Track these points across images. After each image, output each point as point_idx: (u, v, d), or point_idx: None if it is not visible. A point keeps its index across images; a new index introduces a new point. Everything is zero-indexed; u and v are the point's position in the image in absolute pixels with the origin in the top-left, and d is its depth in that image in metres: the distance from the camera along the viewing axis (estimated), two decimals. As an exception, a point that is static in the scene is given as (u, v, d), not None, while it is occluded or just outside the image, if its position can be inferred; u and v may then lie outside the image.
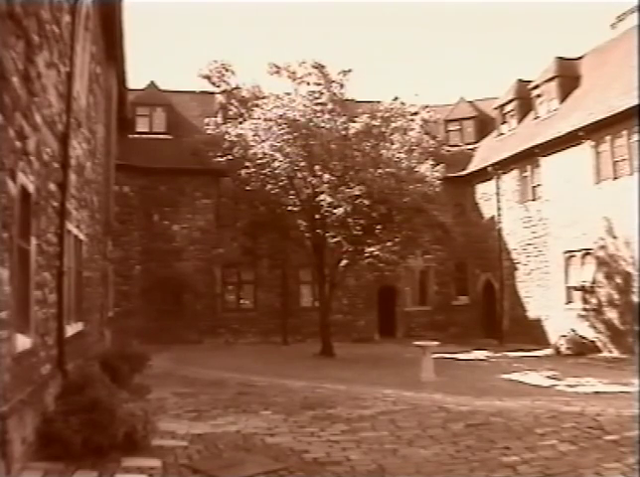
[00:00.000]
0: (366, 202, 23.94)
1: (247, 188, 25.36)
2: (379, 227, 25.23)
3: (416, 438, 9.51)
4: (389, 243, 25.57)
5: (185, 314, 29.85)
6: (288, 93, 25.63)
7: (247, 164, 25.28)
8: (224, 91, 27.80)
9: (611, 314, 25.53)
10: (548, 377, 19.49)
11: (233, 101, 27.70)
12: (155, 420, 9.12)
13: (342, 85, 25.52)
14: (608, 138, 25.92)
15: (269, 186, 25.26)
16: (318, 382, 16.58)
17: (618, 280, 25.24)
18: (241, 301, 32.56)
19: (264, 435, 9.69)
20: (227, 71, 26.81)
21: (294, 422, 10.71)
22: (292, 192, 25.68)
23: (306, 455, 8.53)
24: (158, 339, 25.06)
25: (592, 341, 25.95)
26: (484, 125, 37.37)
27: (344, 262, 26.05)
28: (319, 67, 25.13)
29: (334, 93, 25.39)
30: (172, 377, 16.99)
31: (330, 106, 25.35)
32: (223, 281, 32.22)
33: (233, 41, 77.81)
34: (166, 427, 9.74)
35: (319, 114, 25.11)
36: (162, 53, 78.74)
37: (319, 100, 25.32)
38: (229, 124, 26.63)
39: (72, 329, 11.67)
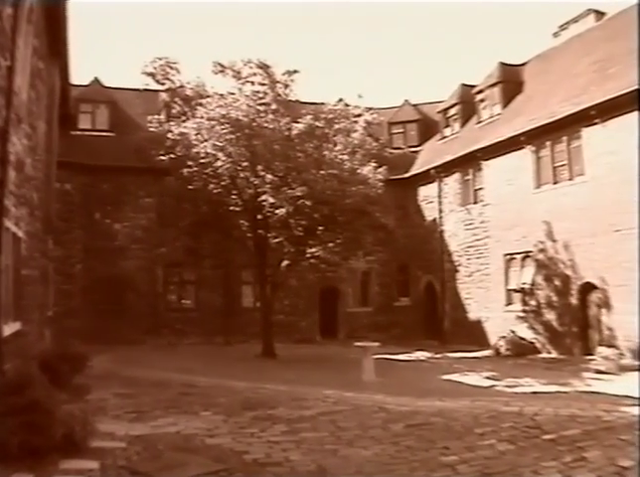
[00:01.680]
0: (308, 203, 23.95)
1: (190, 187, 25.15)
2: (321, 228, 25.27)
3: (357, 439, 9.53)
4: (330, 245, 25.66)
5: (127, 314, 29.53)
6: (232, 93, 25.50)
7: (190, 163, 25.07)
8: (168, 90, 27.54)
9: (550, 316, 25.97)
10: (487, 377, 19.75)
11: (176, 100, 27.43)
12: (95, 422, 8.99)
13: (287, 86, 25.49)
14: (549, 144, 26.37)
15: (212, 185, 25.10)
16: (260, 382, 16.55)
17: (557, 283, 25.70)
18: (183, 301, 32.37)
19: (205, 436, 9.62)
20: (171, 68, 26.56)
21: (235, 423, 10.65)
22: (235, 192, 25.56)
23: (246, 456, 8.49)
24: (99, 339, 24.70)
25: (531, 342, 26.35)
26: (427, 128, 37.68)
27: (286, 263, 26.04)
28: (264, 67, 25.06)
29: (278, 94, 25.36)
30: (113, 377, 16.77)
31: (274, 107, 25.30)
32: (165, 281, 32.02)
33: (179, 39, 77.33)
34: (106, 429, 9.60)
35: (263, 114, 25.04)
36: (108, 49, 77.96)
37: (263, 100, 25.26)
38: (172, 123, 26.40)
39: (9, 328, 11.45)
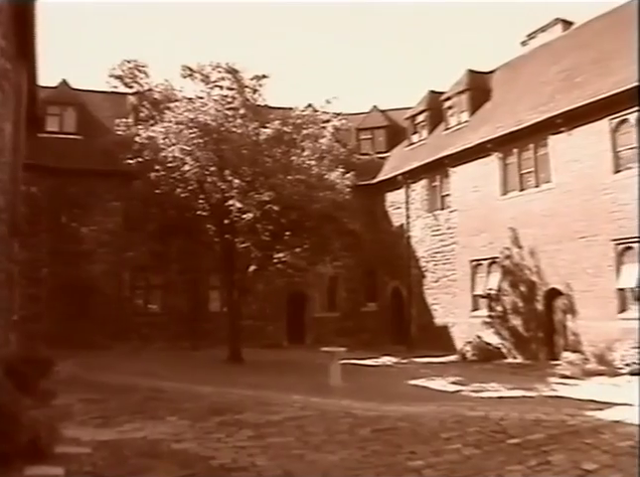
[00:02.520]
0: (275, 208, 23.94)
1: (157, 191, 25.00)
2: (288, 233, 25.24)
3: (324, 444, 9.52)
4: (298, 250, 25.63)
5: (94, 318, 29.26)
6: (201, 97, 25.42)
7: (158, 167, 24.93)
8: (136, 93, 27.41)
9: (516, 321, 26.17)
10: (453, 382, 19.84)
11: (145, 103, 27.29)
12: (60, 427, 8.92)
13: (255, 91, 25.48)
14: (516, 151, 26.61)
15: (179, 190, 24.98)
16: (226, 387, 16.49)
17: (523, 289, 25.91)
18: (150, 306, 32.19)
19: (171, 441, 9.56)
20: (140, 72, 26.41)
21: (201, 428, 10.60)
22: (202, 196, 25.46)
23: (213, 461, 8.44)
24: (65, 343, 24.43)
25: (497, 347, 26.52)
26: (395, 135, 37.82)
27: (253, 268, 25.98)
28: (233, 71, 25.02)
29: (247, 99, 25.33)
30: (79, 382, 16.63)
31: (242, 111, 25.25)
32: (132, 285, 31.84)
33: (149, 41, 76.97)
34: (71, 434, 9.50)
35: (231, 119, 24.97)
36: (77, 51, 77.41)
37: (231, 105, 25.21)
38: (140, 126, 26.25)
39: (-27, 332, 11.32)
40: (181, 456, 8.70)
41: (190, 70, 25.27)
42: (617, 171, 22.50)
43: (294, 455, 8.85)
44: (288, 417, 11.72)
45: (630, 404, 13.87)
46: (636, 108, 21.70)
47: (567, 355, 22.28)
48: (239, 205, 23.98)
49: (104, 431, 10.30)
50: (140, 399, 13.97)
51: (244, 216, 23.97)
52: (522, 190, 26.51)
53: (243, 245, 25.39)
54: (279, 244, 25.50)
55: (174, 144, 24.72)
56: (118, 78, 26.31)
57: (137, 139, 25.51)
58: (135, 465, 8.20)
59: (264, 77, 25.52)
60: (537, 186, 25.81)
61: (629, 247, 21.94)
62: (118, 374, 19.57)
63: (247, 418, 11.55)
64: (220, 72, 25.23)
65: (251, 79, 25.43)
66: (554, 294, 24.76)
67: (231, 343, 25.63)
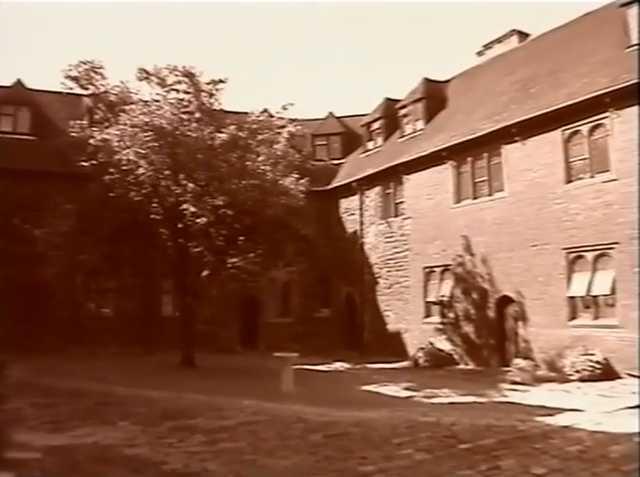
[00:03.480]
0: (229, 212, 23.90)
1: (111, 194, 24.77)
2: (241, 238, 25.18)
3: (276, 449, 9.50)
4: (251, 255, 25.57)
5: (45, 322, 28.80)
6: (157, 100, 25.26)
7: (112, 170, 24.70)
8: (92, 95, 27.14)
9: (468, 328, 26.39)
10: (406, 388, 19.97)
11: (100, 105, 27.02)
12: (10, 432, 8.79)
13: (211, 95, 25.41)
14: (470, 160, 26.85)
15: (133, 193, 24.78)
16: (179, 392, 16.39)
17: (475, 296, 26.14)
18: (103, 310, 31.86)
19: (123, 447, 9.47)
20: (96, 73, 26.16)
21: (153, 433, 10.52)
22: (156, 200, 25.28)
23: (164, 466, 8.37)
24: (17, 347, 23.88)
25: (449, 354, 26.71)
26: (351, 141, 37.96)
27: (206, 272, 25.86)
28: (189, 75, 24.92)
29: (203, 103, 25.24)
30: (31, 387, 16.34)
31: (198, 115, 25.15)
32: (85, 289, 31.46)
33: (106, 42, 76.34)
34: (22, 439, 9.37)
35: (186, 123, 24.85)
36: (31, 50, 76.42)
37: (187, 109, 25.09)
38: (95, 128, 25.99)
39: None
40: (133, 461, 8.62)
41: (146, 72, 25.09)
42: (569, 181, 22.84)
43: (246, 460, 8.81)
44: (240, 423, 11.68)
45: (579, 410, 14.08)
46: (588, 120, 22.16)
47: (518, 361, 22.51)
48: (192, 209, 23.89)
49: (56, 436, 10.19)
50: (92, 404, 13.84)
51: (198, 220, 23.89)
52: (475, 198, 26.76)
53: (197, 250, 25.27)
54: (233, 249, 25.44)
55: (129, 147, 24.50)
56: (74, 79, 26.02)
57: (92, 141, 25.24)
58: (86, 470, 8.13)
59: (221, 81, 25.46)
60: (490, 194, 26.07)
61: (580, 256, 22.28)
62: (70, 378, 19.34)
63: (200, 424, 11.49)
64: (176, 75, 25.12)
65: (208, 84, 25.35)
66: (505, 302, 25.03)
67: (183, 348, 25.47)
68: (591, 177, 22.16)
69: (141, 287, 31.24)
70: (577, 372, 20.52)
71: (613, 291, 21.02)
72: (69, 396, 15.20)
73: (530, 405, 15.84)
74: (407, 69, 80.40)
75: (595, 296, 21.71)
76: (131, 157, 24.52)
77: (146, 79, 25.21)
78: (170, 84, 25.30)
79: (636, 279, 20.25)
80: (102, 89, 26.61)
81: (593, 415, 13.09)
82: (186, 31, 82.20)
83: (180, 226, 24.77)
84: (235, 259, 25.66)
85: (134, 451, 9.24)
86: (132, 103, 25.45)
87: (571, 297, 22.41)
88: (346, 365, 27.50)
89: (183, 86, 25.28)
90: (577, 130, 22.67)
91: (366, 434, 10.59)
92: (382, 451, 9.31)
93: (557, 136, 23.23)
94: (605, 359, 20.59)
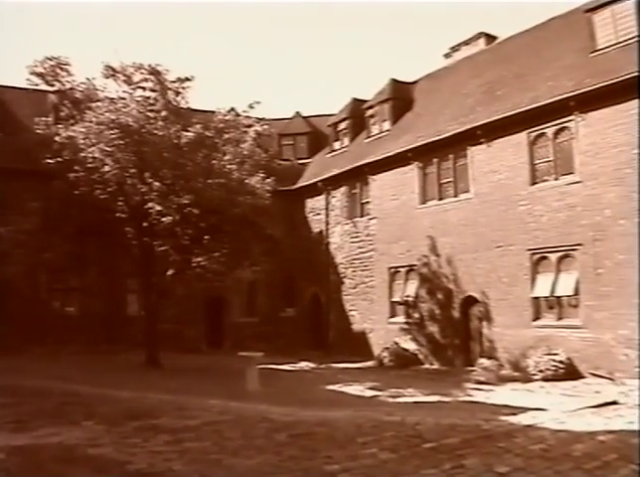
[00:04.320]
0: (195, 211, 23.80)
1: (76, 192, 24.57)
2: (207, 237, 25.08)
3: (241, 448, 9.45)
4: (217, 254, 25.48)
5: (9, 321, 28.33)
6: (123, 98, 25.08)
7: (77, 168, 24.52)
8: (57, 91, 26.89)
9: (433, 328, 26.51)
10: (370, 388, 20.01)
11: (66, 102, 26.78)
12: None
13: (178, 93, 25.28)
14: (435, 161, 26.99)
15: (98, 191, 24.59)
16: (143, 392, 16.28)
17: (440, 296, 26.27)
18: (67, 308, 31.56)
19: (87, 446, 9.35)
20: (62, 70, 25.92)
21: (118, 433, 10.41)
22: (121, 198, 25.11)
23: (129, 466, 8.28)
24: (-21, 346, 23.79)
25: (414, 353, 26.80)
26: (317, 141, 37.98)
27: (171, 272, 25.72)
28: (156, 73, 24.78)
29: (169, 101, 25.10)
30: (-8, 386, 16.22)
31: (164, 114, 25.00)
32: (49, 287, 31.11)
33: (72, 39, 75.65)
34: (-17, 440, 9.29)
35: (152, 121, 24.69)
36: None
37: (153, 107, 24.96)
38: (60, 125, 25.75)
39: None
40: (97, 461, 8.54)
41: (112, 70, 24.88)
42: (534, 183, 23.06)
43: (211, 460, 8.77)
44: (206, 422, 11.62)
45: (543, 409, 14.21)
46: (553, 123, 22.42)
47: (483, 361, 22.68)
48: (158, 208, 23.73)
49: (18, 436, 10.06)
50: (56, 404, 13.67)
51: (164, 219, 23.74)
52: (440, 199, 26.91)
53: (162, 249, 25.12)
54: (198, 248, 25.34)
55: (94, 145, 24.32)
56: (39, 75, 25.79)
57: (57, 139, 25.03)
58: (50, 470, 8.04)
59: (188, 79, 25.33)
60: (455, 196, 26.24)
61: (544, 257, 22.50)
62: (34, 377, 19.12)
63: (164, 423, 11.41)
64: (143, 73, 24.95)
65: (174, 82, 25.21)
66: (470, 302, 25.19)
67: (148, 347, 25.33)
68: (556, 179, 22.41)
69: (106, 286, 30.94)
70: (541, 371, 20.73)
71: (576, 292, 21.26)
72: (32, 395, 15.02)
73: (494, 405, 15.98)
74: (375, 69, 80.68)
75: (559, 297, 21.96)
76: (97, 155, 24.34)
77: (112, 76, 25.01)
78: (136, 82, 25.13)
79: (599, 280, 20.52)
80: (68, 86, 26.42)
81: (556, 414, 13.24)
82: (154, 29, 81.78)
83: (145, 224, 24.62)
84: (200, 258, 25.55)
85: (98, 451, 9.15)
86: (98, 101, 25.24)
87: (535, 298, 22.64)
88: (311, 364, 27.51)
89: (149, 84, 25.14)
90: (543, 133, 22.90)
91: (331, 434, 10.58)
92: (346, 450, 9.30)
93: (522, 138, 23.45)
94: (569, 358, 20.83)
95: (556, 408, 14.51)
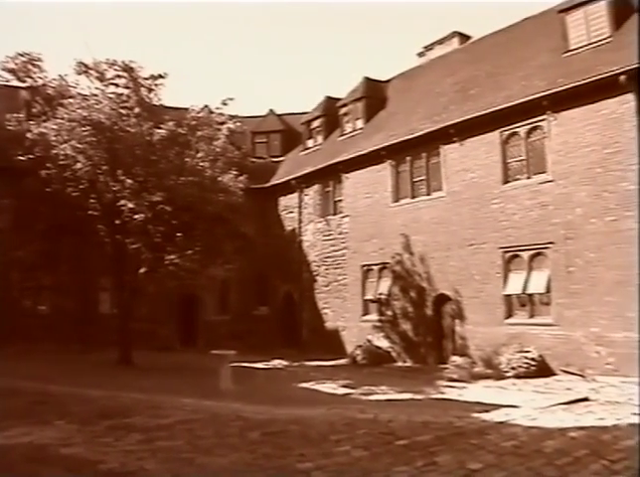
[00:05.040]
0: (168, 209, 23.67)
1: (48, 189, 24.35)
2: (179, 234, 24.94)
3: (214, 447, 9.43)
4: (189, 252, 25.36)
5: (-20, 320, 28.19)
6: (95, 95, 24.90)
7: (49, 165, 24.30)
8: (29, 87, 26.65)
9: (406, 326, 26.58)
10: (343, 385, 20.02)
11: (37, 98, 26.53)
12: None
13: (151, 90, 25.13)
14: (408, 159, 27.04)
15: (70, 188, 24.39)
16: (116, 391, 16.17)
17: (412, 294, 26.35)
18: (39, 307, 31.30)
19: (59, 446, 9.28)
20: (34, 66, 25.70)
21: (90, 432, 10.34)
22: (93, 196, 24.90)
23: (101, 466, 8.23)
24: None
25: (387, 351, 26.86)
26: (291, 139, 37.96)
27: (144, 269, 25.57)
28: (129, 69, 24.62)
29: (142, 98, 24.95)
30: (-38, 386, 16.05)
31: (137, 111, 24.84)
32: (21, 286, 30.81)
33: (46, 35, 75.04)
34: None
35: (125, 118, 24.54)
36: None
37: (126, 104, 24.78)
38: (32, 122, 25.50)
39: None
40: (69, 461, 8.48)
41: (85, 66, 24.67)
42: (506, 182, 23.20)
43: (184, 459, 8.73)
44: (178, 421, 11.58)
45: (515, 406, 14.29)
46: (525, 122, 22.60)
47: (456, 359, 22.78)
48: (130, 205, 23.59)
49: (-11, 436, 9.98)
50: (27, 403, 13.55)
51: (136, 216, 23.58)
52: (413, 197, 26.99)
53: (134, 247, 24.96)
54: (171, 246, 25.20)
55: (66, 142, 24.09)
56: (11, 71, 25.56)
57: (29, 135, 24.79)
58: (21, 470, 7.98)
59: (161, 76, 25.17)
60: (428, 194, 26.33)
61: (516, 255, 22.65)
62: (4, 377, 18.87)
63: (137, 422, 11.36)
64: (116, 69, 24.76)
65: (148, 79, 25.05)
66: (443, 300, 25.30)
67: (121, 345, 25.16)
68: (528, 178, 22.57)
69: (79, 284, 30.69)
70: (513, 368, 20.85)
71: (548, 290, 21.44)
72: (3, 394, 14.86)
73: (466, 402, 16.07)
74: (349, 68, 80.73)
75: (531, 295, 22.13)
76: (69, 152, 24.12)
77: (85, 72, 24.80)
78: (109, 79, 24.94)
79: (571, 278, 20.71)
80: (40, 82, 26.20)
81: (528, 411, 13.32)
82: (128, 26, 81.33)
83: (118, 222, 24.46)
84: (172, 256, 25.41)
85: (70, 450, 9.09)
86: (70, 97, 25.05)
87: (508, 295, 22.79)
88: (284, 362, 27.48)
89: (122, 81, 24.94)
90: (515, 132, 23.06)
91: (304, 432, 10.59)
92: (319, 448, 9.31)
93: (494, 137, 23.58)
94: (540, 356, 21.00)
95: (527, 405, 14.61)
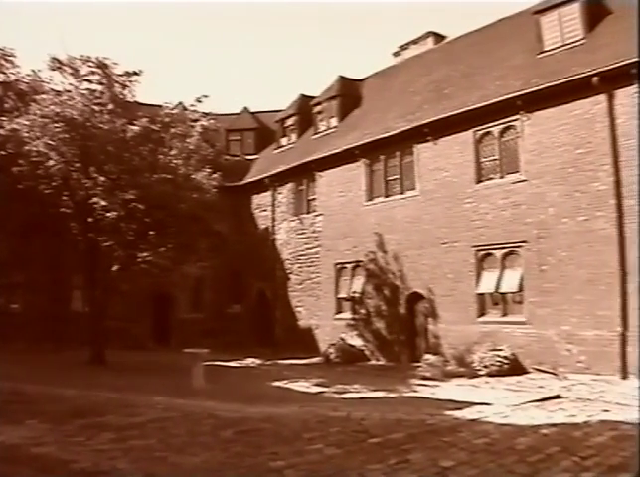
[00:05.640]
0: (141, 206, 23.54)
1: (20, 186, 24.13)
2: (152, 232, 24.82)
3: (186, 446, 9.41)
4: (162, 250, 25.25)
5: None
6: (68, 91, 24.69)
7: (21, 161, 24.07)
8: (1, 83, 26.40)
9: (379, 324, 26.64)
10: (317, 384, 20.05)
11: (10, 94, 26.29)
12: None
13: (125, 87, 24.97)
14: (382, 158, 27.08)
15: (43, 185, 24.18)
16: (89, 389, 16.06)
17: (386, 292, 26.41)
18: (11, 305, 31.02)
19: (30, 446, 9.19)
20: (6, 60, 25.45)
21: (62, 432, 10.26)
22: (66, 193, 24.70)
23: (74, 465, 8.16)
24: None
25: (361, 349, 26.91)
26: (265, 137, 37.93)
27: (117, 267, 25.41)
28: (103, 66, 24.43)
29: (116, 94, 24.78)
30: None
31: (111, 107, 24.67)
32: (-8, 284, 30.57)
33: (18, 30, 74.36)
34: None
35: (98, 115, 24.36)
36: None
37: (100, 100, 24.62)
38: (4, 118, 25.22)
39: None
40: (40, 461, 8.41)
41: (59, 62, 24.43)
42: (479, 181, 23.30)
43: (156, 458, 8.69)
44: (151, 420, 11.52)
45: (487, 404, 14.37)
46: (499, 122, 22.76)
47: (429, 357, 22.84)
48: (103, 203, 23.41)
49: (-41, 436, 9.87)
50: (-2, 402, 13.45)
51: (109, 214, 23.42)
52: (387, 196, 27.05)
53: (107, 244, 24.78)
54: (144, 244, 25.07)
55: (38, 138, 23.85)
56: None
57: (0, 131, 24.55)
58: (-8, 470, 7.91)
59: (135, 73, 25.00)
60: (401, 193, 26.39)
61: (489, 254, 22.77)
62: (-26, 376, 18.79)
63: (110, 421, 11.28)
64: (90, 65, 24.55)
65: (122, 75, 24.89)
66: (416, 298, 25.37)
67: (94, 344, 24.98)
68: (501, 177, 22.69)
69: (51, 282, 30.49)
70: (486, 366, 20.96)
71: (520, 289, 21.58)
72: (-27, 394, 14.77)
73: (439, 400, 16.15)
74: (324, 66, 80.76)
75: (503, 293, 22.26)
76: (41, 149, 23.88)
77: (59, 68, 24.55)
78: (83, 75, 24.72)
79: (543, 277, 20.86)
80: (13, 78, 25.96)
81: (501, 409, 13.41)
82: (103, 23, 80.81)
83: (90, 219, 24.27)
84: (146, 254, 25.28)
85: (42, 450, 9.01)
86: (43, 93, 24.82)
87: (480, 294, 22.90)
88: (257, 361, 27.45)
89: (96, 77, 24.74)
90: (489, 131, 23.18)
91: (277, 430, 10.58)
92: (292, 447, 9.31)
93: (468, 137, 23.69)
94: (513, 354, 21.12)
95: (500, 403, 14.70)
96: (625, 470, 8.01)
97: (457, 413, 12.60)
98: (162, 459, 8.60)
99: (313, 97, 34.58)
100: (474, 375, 20.84)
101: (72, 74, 24.71)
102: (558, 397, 15.66)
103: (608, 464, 8.33)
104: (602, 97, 19.60)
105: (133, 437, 9.95)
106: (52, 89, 25.10)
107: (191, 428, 10.72)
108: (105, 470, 8.04)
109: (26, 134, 24.01)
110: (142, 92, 26.57)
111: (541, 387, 18.07)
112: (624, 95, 19.15)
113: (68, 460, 8.41)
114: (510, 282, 21.92)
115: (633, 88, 18.79)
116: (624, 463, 8.33)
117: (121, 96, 25.09)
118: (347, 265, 28.92)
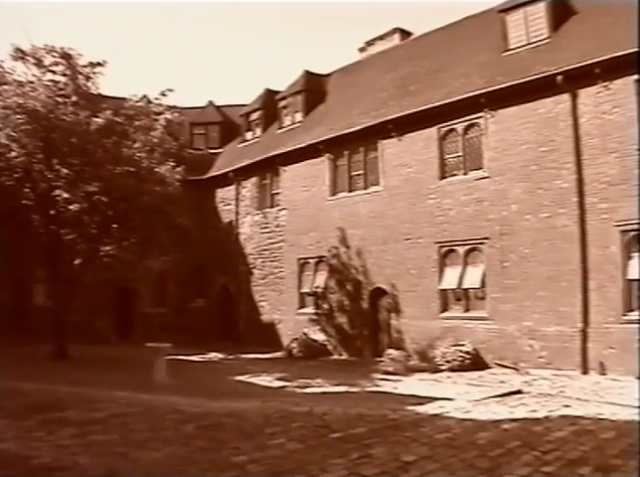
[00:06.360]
0: (103, 199, 23.36)
1: (-20, 179, 23.84)
2: (115, 225, 24.64)
3: (148, 441, 9.33)
4: (125, 243, 25.07)
5: None
6: (31, 82, 24.39)
7: (-18, 153, 23.81)
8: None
9: (342, 319, 26.71)
10: (279, 378, 20.09)
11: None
12: None
13: (89, 78, 24.70)
14: (346, 153, 27.12)
15: (4, 178, 23.88)
16: (49, 384, 15.91)
17: (349, 287, 26.48)
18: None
19: (-12, 441, 9.15)
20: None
21: (21, 427, 10.13)
22: (28, 185, 24.41)
23: (33, 461, 8.05)
24: None
25: (323, 344, 26.98)
26: (229, 131, 37.82)
27: (79, 261, 25.18)
28: (67, 56, 24.15)
29: (80, 86, 24.52)
30: None
31: (74, 99, 24.39)
32: (-50, 278, 30.15)
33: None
34: None
35: (61, 106, 24.08)
36: None
37: (63, 92, 24.33)
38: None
39: None
40: (-1, 456, 8.34)
41: (22, 52, 24.08)
42: (443, 177, 23.43)
43: (118, 453, 8.61)
44: (112, 414, 11.43)
45: (449, 399, 14.47)
46: (463, 119, 22.90)
47: (391, 352, 22.90)
48: (65, 195, 23.21)
49: None
50: (-46, 398, 13.28)
51: (71, 206, 23.22)
52: (351, 191, 27.11)
53: (70, 237, 24.56)
54: (107, 237, 24.86)
55: (0, 130, 23.61)
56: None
57: (-39, 123, 24.21)
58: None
59: (100, 64, 24.70)
60: (365, 188, 26.46)
61: (452, 250, 22.92)
62: None
63: (70, 416, 11.18)
64: (54, 56, 24.23)
65: (86, 66, 24.60)
66: (379, 293, 25.48)
67: (55, 338, 24.73)
68: (465, 174, 22.84)
69: (13, 275, 30.13)
70: (448, 362, 21.12)
71: (483, 285, 21.76)
72: None
73: (401, 395, 16.23)
74: (290, 61, 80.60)
75: (466, 289, 22.43)
76: (3, 140, 23.55)
77: (22, 58, 24.19)
78: (47, 66, 24.41)
79: (505, 273, 21.05)
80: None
81: (462, 404, 13.49)
82: (67, 15, 79.99)
83: (52, 212, 24.02)
84: (108, 247, 25.06)
85: (1, 446, 8.91)
86: (6, 84, 24.47)
87: (443, 290, 23.06)
88: (220, 355, 27.45)
89: (60, 68, 24.40)
90: (453, 128, 23.31)
91: (239, 425, 10.57)
92: (254, 441, 9.30)
93: (432, 133, 23.80)
94: (475, 349, 21.31)
95: (462, 398, 14.80)
96: (585, 464, 8.12)
97: (419, 408, 12.66)
98: (124, 454, 8.53)
99: (278, 92, 34.54)
100: (436, 370, 20.98)
101: (35, 64, 24.36)
102: (519, 392, 15.79)
103: (568, 458, 8.43)
104: (566, 96, 19.79)
105: (94, 432, 9.87)
106: (14, 80, 24.71)
107: (153, 423, 10.65)
108: (66, 465, 7.94)
109: (-14, 126, 23.70)
110: (106, 84, 26.28)
111: (502, 382, 18.24)
112: (587, 95, 19.39)
113: (27, 456, 8.30)
114: (472, 278, 22.10)
115: (596, 88, 19.05)
116: (584, 457, 8.45)
117: (85, 88, 24.79)
118: (310, 260, 28.95)
